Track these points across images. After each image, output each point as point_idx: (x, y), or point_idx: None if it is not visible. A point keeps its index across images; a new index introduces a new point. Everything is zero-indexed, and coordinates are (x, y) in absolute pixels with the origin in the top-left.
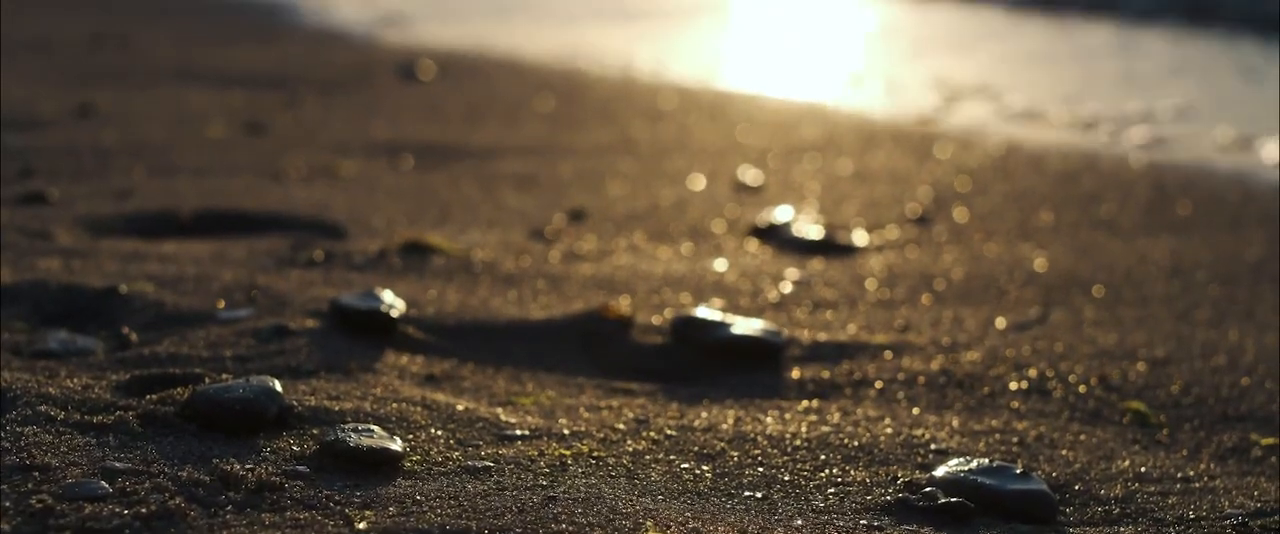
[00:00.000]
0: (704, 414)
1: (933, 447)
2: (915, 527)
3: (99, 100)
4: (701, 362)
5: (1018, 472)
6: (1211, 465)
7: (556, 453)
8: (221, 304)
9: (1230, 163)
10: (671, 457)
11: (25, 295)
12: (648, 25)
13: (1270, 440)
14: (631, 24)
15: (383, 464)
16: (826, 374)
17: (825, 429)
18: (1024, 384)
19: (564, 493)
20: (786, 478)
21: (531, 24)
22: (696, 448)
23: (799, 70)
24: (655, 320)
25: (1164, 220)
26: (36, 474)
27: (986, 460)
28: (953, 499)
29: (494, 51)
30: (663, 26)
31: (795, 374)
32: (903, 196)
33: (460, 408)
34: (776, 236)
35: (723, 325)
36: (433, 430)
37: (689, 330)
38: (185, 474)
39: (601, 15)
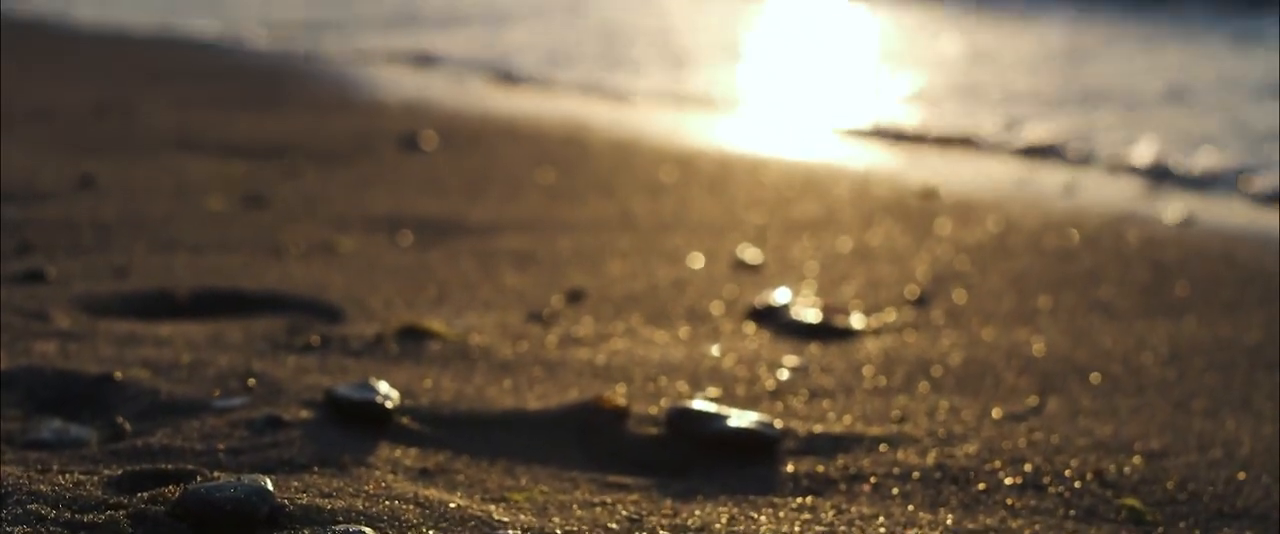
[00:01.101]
0: (697, 512)
1: None
2: None
3: (100, 171)
4: (697, 454)
5: None
6: None
7: None
8: (217, 392)
9: (1229, 241)
10: None
11: (21, 381)
12: (652, 85)
13: None
14: (636, 86)
15: None
16: (821, 468)
17: (819, 529)
18: (1019, 479)
19: None
20: None
21: (539, 84)
22: None
23: (803, 135)
24: (652, 410)
25: (1161, 303)
26: None
27: None
28: None
29: (498, 117)
30: (666, 85)
31: (790, 468)
32: (902, 276)
33: (453, 505)
34: (774, 320)
35: (718, 417)
36: (424, 530)
37: (684, 422)
38: None
39: (611, 77)
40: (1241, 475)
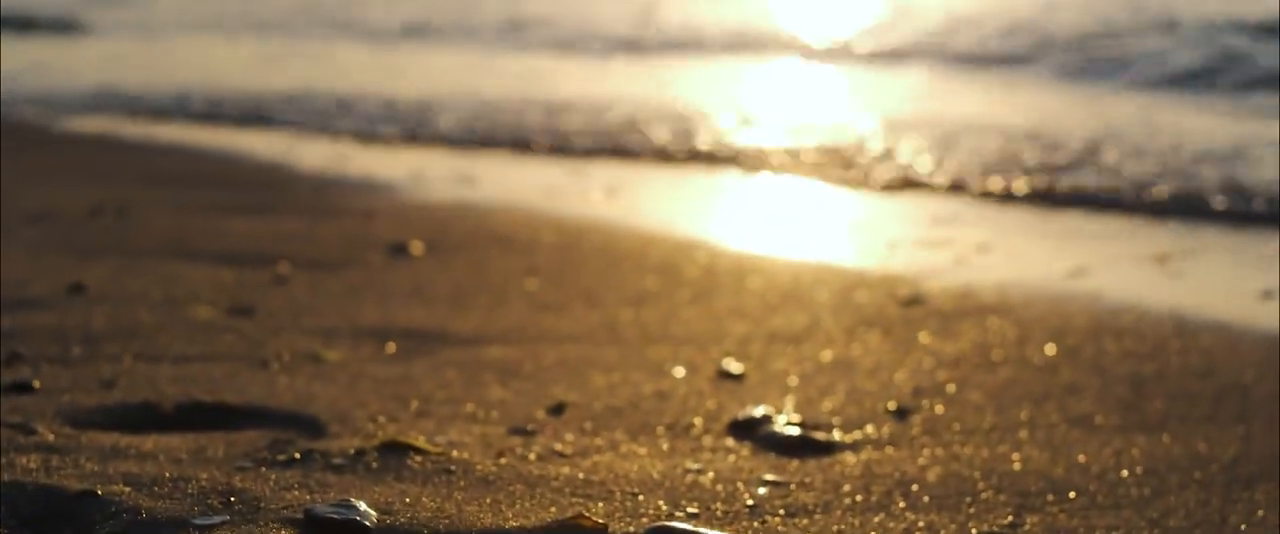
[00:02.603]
0: None
1: None
2: None
3: (91, 278)
4: None
5: None
6: None
7: None
8: (196, 510)
9: (1211, 357)
10: None
11: (5, 497)
12: (647, 186)
13: None
14: (629, 184)
15: None
16: None
17: None
18: None
19: None
20: None
21: (534, 189)
22: None
23: (792, 241)
24: (631, 529)
25: (1139, 418)
26: None
27: None
28: None
29: (487, 222)
30: (657, 186)
31: None
32: (883, 389)
33: None
34: (754, 434)
35: None
36: None
37: None
38: None
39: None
40: None
